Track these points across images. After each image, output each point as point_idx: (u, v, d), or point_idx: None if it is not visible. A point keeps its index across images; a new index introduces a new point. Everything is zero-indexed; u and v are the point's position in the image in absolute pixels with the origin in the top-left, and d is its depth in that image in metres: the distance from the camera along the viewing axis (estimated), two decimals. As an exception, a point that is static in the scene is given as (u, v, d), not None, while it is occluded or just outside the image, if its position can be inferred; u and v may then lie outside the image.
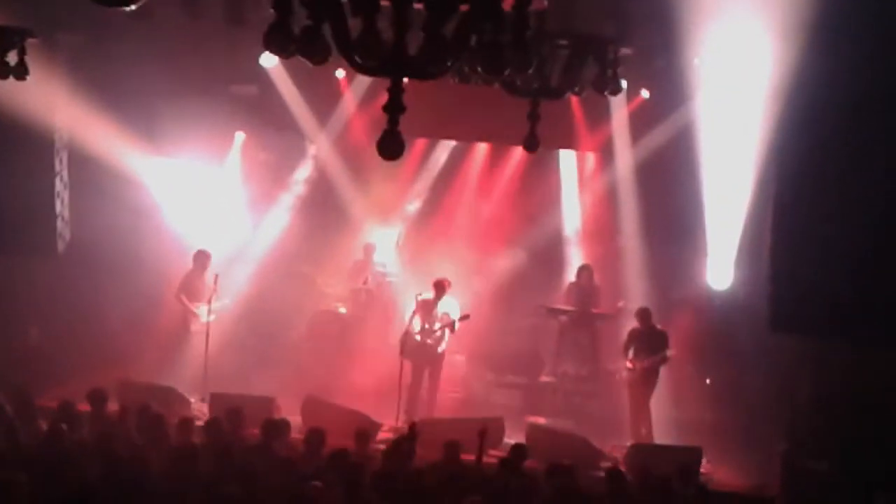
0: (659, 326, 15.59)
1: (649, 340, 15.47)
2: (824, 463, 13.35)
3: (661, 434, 14.96)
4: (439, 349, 15.69)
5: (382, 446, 12.55)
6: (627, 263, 17.46)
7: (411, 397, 15.48)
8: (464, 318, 15.53)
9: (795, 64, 13.77)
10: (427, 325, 15.59)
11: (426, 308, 15.66)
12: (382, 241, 18.66)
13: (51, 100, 15.47)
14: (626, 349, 15.62)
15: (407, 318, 15.64)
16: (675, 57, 14.86)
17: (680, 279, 17.27)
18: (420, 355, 15.57)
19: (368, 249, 18.45)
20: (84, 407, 12.06)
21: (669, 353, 15.29)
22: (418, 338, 15.52)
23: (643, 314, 15.62)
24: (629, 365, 15.55)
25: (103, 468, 9.81)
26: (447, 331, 15.60)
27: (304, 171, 18.85)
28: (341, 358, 16.97)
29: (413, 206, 19.15)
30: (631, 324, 15.92)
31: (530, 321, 17.85)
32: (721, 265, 17.21)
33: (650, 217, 17.43)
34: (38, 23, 11.91)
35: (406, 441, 11.32)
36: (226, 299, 16.30)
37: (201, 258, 16.40)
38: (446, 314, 15.60)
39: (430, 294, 15.73)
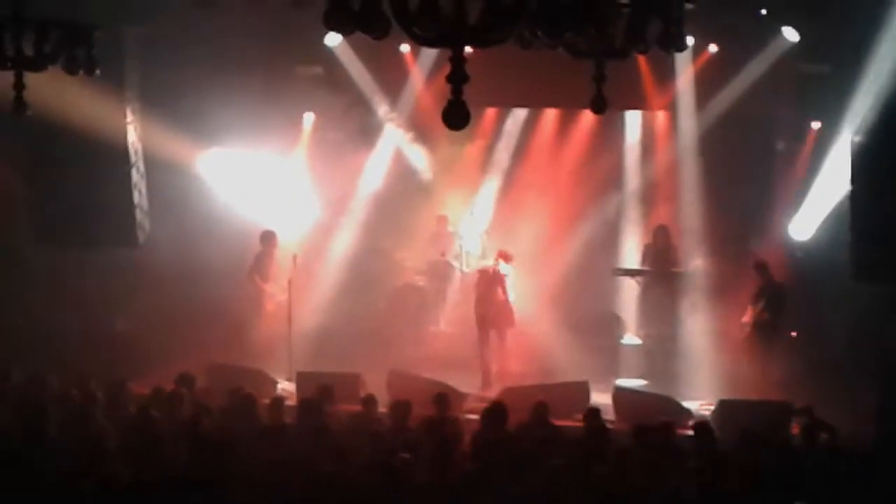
0: (776, 279, 15.47)
1: (768, 293, 15.37)
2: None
3: (749, 390, 14.81)
4: (507, 315, 15.78)
5: (470, 415, 12.61)
6: (703, 220, 17.24)
7: (485, 368, 15.71)
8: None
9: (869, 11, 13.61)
10: (488, 294, 15.71)
11: (488, 277, 15.85)
12: (457, 211, 18.68)
13: (120, 93, 15.68)
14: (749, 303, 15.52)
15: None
16: (741, 10, 14.67)
17: (758, 232, 17.05)
18: (487, 324, 15.76)
19: (442, 221, 18.48)
20: (174, 391, 12.22)
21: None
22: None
23: (760, 267, 15.53)
24: (746, 319, 15.48)
25: (194, 451, 9.96)
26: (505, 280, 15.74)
27: (378, 149, 18.84)
28: (423, 330, 17.05)
29: (491, 180, 19.09)
30: (709, 280, 15.82)
31: (609, 283, 17.76)
32: (801, 216, 17.04)
33: (724, 172, 17.21)
34: (104, 17, 12.05)
35: (498, 408, 11.38)
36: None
37: (269, 238, 16.52)
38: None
39: (491, 264, 15.95)
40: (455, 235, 18.36)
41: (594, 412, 11.83)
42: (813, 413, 12.10)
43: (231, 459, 9.63)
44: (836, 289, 15.62)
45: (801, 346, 15.94)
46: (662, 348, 16.48)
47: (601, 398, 14.07)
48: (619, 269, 17.57)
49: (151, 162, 16.59)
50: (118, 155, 16.03)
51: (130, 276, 16.39)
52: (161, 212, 16.66)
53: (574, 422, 12.75)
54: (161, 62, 15.98)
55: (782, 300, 15.44)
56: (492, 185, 19.04)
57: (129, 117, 16.10)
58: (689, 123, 17.61)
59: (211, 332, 15.97)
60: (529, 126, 19.12)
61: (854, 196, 14.55)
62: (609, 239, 18.29)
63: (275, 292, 16.24)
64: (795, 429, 12.40)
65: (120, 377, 12.52)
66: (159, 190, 16.72)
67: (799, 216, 17.08)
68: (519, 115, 19.14)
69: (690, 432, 11.51)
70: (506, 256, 15.83)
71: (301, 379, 14.43)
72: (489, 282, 15.80)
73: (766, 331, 15.39)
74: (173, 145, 16.62)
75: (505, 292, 15.68)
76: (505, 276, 15.74)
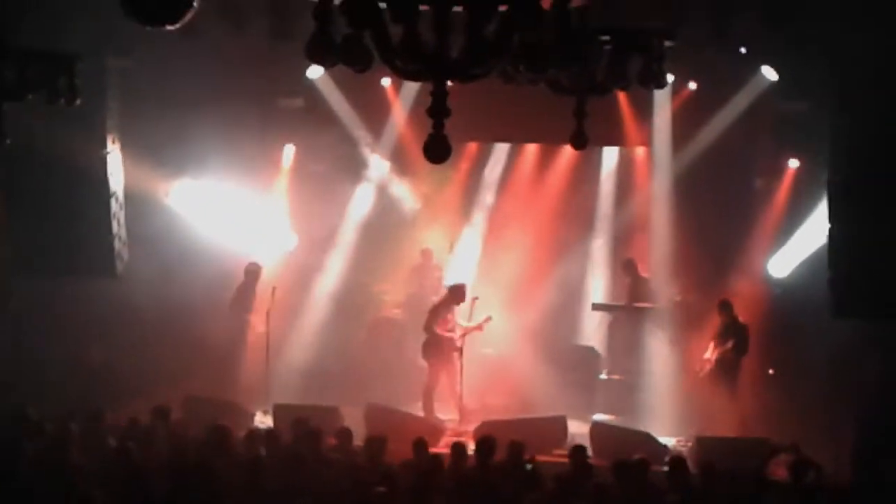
0: (741, 319, 15.52)
1: (732, 332, 15.42)
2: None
3: (724, 427, 14.82)
4: (458, 346, 15.66)
5: (447, 451, 12.57)
6: (680, 256, 17.30)
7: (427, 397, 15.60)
8: (486, 320, 15.66)
9: (848, 50, 13.71)
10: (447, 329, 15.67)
11: (448, 312, 15.79)
12: (439, 245, 18.68)
13: (101, 123, 15.66)
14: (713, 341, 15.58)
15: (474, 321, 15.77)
16: (721, 47, 14.76)
17: (737, 269, 17.10)
18: (438, 356, 15.65)
19: (427, 254, 18.50)
20: (150, 423, 12.14)
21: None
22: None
23: (724, 306, 15.58)
24: (708, 356, 15.52)
25: (172, 483, 9.90)
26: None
27: (360, 182, 18.84)
28: (402, 363, 17.01)
29: (475, 213, 19.12)
30: (685, 316, 15.88)
31: (587, 318, 17.79)
32: (780, 254, 17.11)
33: (702, 208, 17.29)
34: (86, 47, 12.06)
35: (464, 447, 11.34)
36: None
37: (252, 271, 16.51)
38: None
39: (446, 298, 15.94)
40: (436, 269, 18.35)
41: (580, 449, 11.76)
42: (799, 450, 12.08)
43: (208, 491, 9.58)
44: (814, 325, 15.65)
45: (780, 383, 15.96)
46: (637, 383, 16.48)
47: (578, 432, 14.06)
48: (598, 304, 17.62)
49: (131, 192, 16.54)
50: (97, 185, 15.97)
51: (108, 306, 16.29)
52: (140, 242, 16.59)
53: (552, 457, 12.72)
54: (142, 93, 15.97)
55: (745, 339, 15.46)
56: (474, 220, 19.06)
57: (109, 147, 16.05)
58: (667, 160, 17.70)
59: (188, 363, 15.89)
60: (511, 160, 19.18)
61: (832, 234, 14.61)
62: (589, 274, 18.32)
63: (256, 324, 16.19)
64: (779, 466, 12.39)
65: (97, 408, 12.44)
66: (138, 220, 16.66)
67: (778, 253, 17.15)
68: (500, 149, 19.19)
69: (666, 468, 11.49)
70: (462, 290, 15.83)
71: (277, 411, 14.39)
72: (449, 316, 15.79)
73: (729, 369, 15.40)
74: (153, 176, 16.60)
75: (480, 326, 15.64)
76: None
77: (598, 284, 18.37)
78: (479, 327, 15.67)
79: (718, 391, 15.28)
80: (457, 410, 15.50)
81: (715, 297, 16.00)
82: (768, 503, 10.26)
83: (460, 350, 15.54)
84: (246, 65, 15.96)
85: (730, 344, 15.40)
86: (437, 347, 15.56)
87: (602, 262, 18.58)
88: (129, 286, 16.29)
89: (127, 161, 16.36)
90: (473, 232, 19.02)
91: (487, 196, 19.16)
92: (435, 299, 16.60)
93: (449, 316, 15.73)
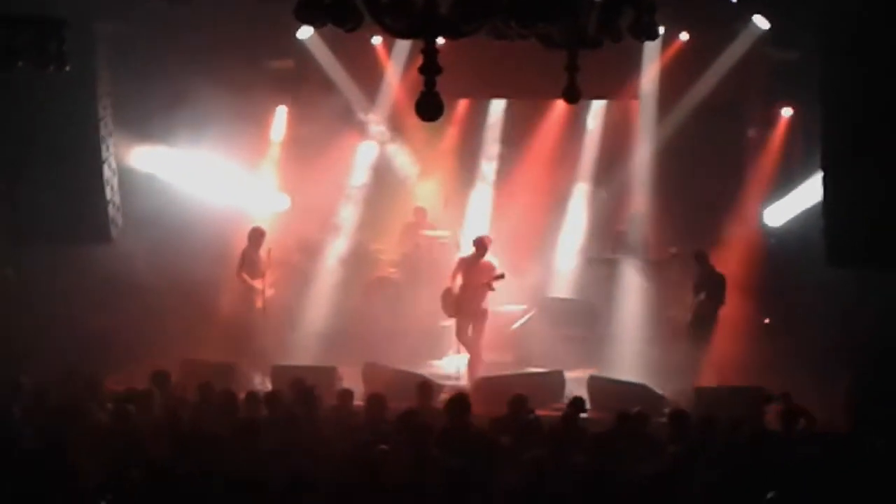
0: (717, 269, 15.51)
1: (708, 283, 15.41)
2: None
3: (723, 376, 14.88)
4: (482, 305, 15.70)
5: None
6: (677, 207, 17.30)
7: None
8: (498, 277, 15.51)
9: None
10: (468, 283, 15.63)
11: (467, 265, 15.73)
12: (432, 203, 18.69)
13: (91, 88, 15.60)
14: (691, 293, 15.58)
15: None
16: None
17: (731, 219, 17.11)
18: (462, 312, 15.67)
19: (419, 213, 18.50)
20: (148, 388, 12.18)
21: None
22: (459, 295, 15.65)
23: (700, 257, 15.56)
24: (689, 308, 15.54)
25: (172, 447, 9.94)
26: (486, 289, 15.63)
27: (352, 142, 18.77)
28: (398, 322, 17.05)
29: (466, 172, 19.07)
30: (680, 268, 15.91)
31: (584, 272, 17.82)
32: (775, 203, 17.13)
33: (695, 160, 17.29)
34: (75, 13, 11.99)
35: (461, 398, 11.35)
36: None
37: (256, 235, 16.45)
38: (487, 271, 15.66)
39: (470, 252, 15.86)
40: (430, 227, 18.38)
41: (578, 401, 11.81)
42: (790, 399, 12.16)
43: (209, 454, 9.62)
44: (809, 275, 15.69)
45: (775, 332, 16.02)
46: (636, 336, 16.51)
47: (575, 387, 14.11)
48: (594, 258, 17.64)
49: (122, 158, 16.50)
50: (90, 151, 15.93)
51: (105, 272, 16.28)
52: (133, 207, 16.57)
53: (550, 411, 12.78)
54: (132, 57, 15.90)
55: (721, 290, 15.41)
56: (467, 178, 19.04)
57: (101, 113, 16.00)
58: (659, 112, 17.67)
59: (188, 327, 15.90)
60: (504, 116, 19.14)
61: (826, 182, 14.62)
62: (584, 227, 18.34)
63: (262, 289, 16.14)
64: (770, 415, 12.46)
65: (95, 373, 12.47)
66: (131, 186, 16.64)
67: (773, 203, 17.16)
68: (493, 105, 19.14)
69: (665, 420, 11.56)
70: (483, 244, 15.76)
71: (276, 373, 14.41)
72: (468, 270, 15.75)
73: (703, 319, 15.41)
74: (145, 141, 16.56)
75: (489, 283, 15.59)
76: (491, 265, 15.66)
77: (594, 237, 18.36)
78: (489, 285, 15.60)
79: (695, 343, 15.33)
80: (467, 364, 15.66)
81: (710, 249, 16.02)
82: (765, 452, 10.31)
83: (477, 306, 15.59)
84: (235, 27, 15.87)
85: (703, 295, 15.42)
86: (450, 300, 15.66)
87: (597, 216, 18.55)
88: (125, 252, 16.28)
89: (119, 126, 16.31)
90: (481, 187, 18.96)
91: (479, 153, 19.11)
92: (431, 255, 16.72)
93: (464, 271, 15.69)
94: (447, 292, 15.73)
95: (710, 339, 15.34)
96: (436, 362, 16.24)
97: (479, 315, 15.71)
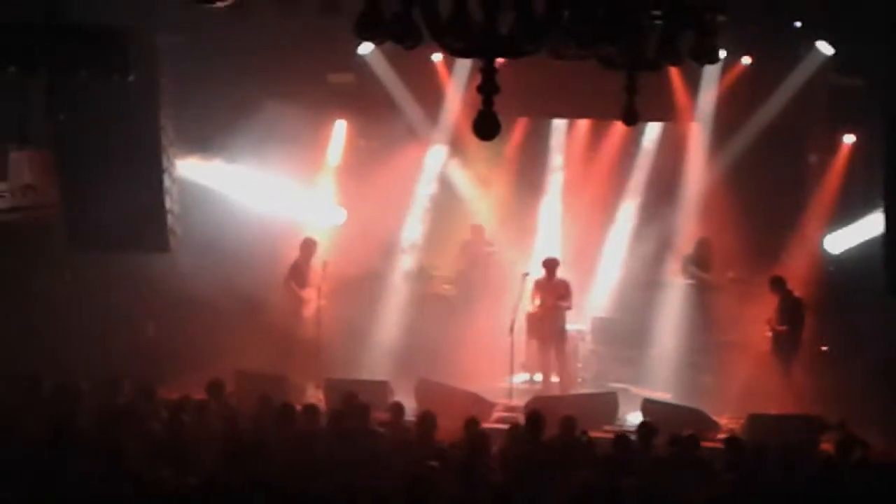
0: (795, 294, 15.45)
1: (787, 309, 15.34)
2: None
3: (779, 405, 14.71)
4: (561, 325, 15.92)
5: (499, 425, 12.58)
6: (737, 231, 17.12)
7: (544, 375, 16.07)
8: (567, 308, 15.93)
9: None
10: (544, 304, 15.87)
11: (541, 287, 15.98)
12: (489, 221, 18.66)
13: (154, 98, 15.76)
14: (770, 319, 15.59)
15: (525, 298, 15.95)
16: (774, 22, 14.60)
17: (792, 245, 16.95)
18: (544, 334, 15.90)
19: (477, 231, 18.48)
20: (203, 398, 12.25)
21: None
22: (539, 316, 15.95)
23: (777, 283, 15.53)
24: (768, 333, 15.50)
25: (227, 457, 9.98)
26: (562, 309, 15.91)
27: (411, 158, 18.80)
28: (451, 339, 17.03)
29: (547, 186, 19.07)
30: (740, 293, 15.78)
31: (640, 293, 17.69)
32: (836, 230, 16.95)
33: (756, 184, 17.12)
34: (139, 23, 12.13)
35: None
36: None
37: (308, 245, 16.54)
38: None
39: (541, 274, 16.12)
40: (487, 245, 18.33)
41: (649, 427, 11.73)
42: (846, 428, 12.02)
43: (263, 465, 9.66)
44: (870, 303, 15.51)
45: (833, 361, 15.82)
46: (691, 360, 16.40)
47: (629, 409, 14.02)
48: (652, 280, 17.55)
49: (183, 168, 16.65)
50: (150, 160, 16.07)
51: (162, 281, 16.42)
52: (191, 217, 16.69)
53: (602, 433, 12.72)
54: (194, 69, 16.02)
55: (802, 315, 15.39)
56: (526, 196, 18.96)
57: (162, 122, 16.15)
58: (718, 135, 17.53)
59: (243, 337, 15.97)
60: (563, 136, 19.06)
61: (888, 211, 14.45)
62: (642, 249, 18.21)
63: (312, 298, 16.22)
64: (827, 444, 12.31)
65: (150, 383, 12.57)
66: (190, 196, 16.77)
67: (834, 230, 16.98)
68: (552, 125, 19.07)
69: (720, 445, 11.46)
70: (552, 265, 16.00)
71: (329, 386, 14.46)
72: (543, 292, 15.99)
73: (786, 345, 15.37)
74: (204, 151, 16.70)
75: (567, 301, 15.88)
76: (565, 283, 16.01)
77: (653, 260, 18.20)
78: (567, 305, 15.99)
79: (775, 369, 15.19)
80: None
81: (769, 274, 15.87)
82: (820, 481, 10.20)
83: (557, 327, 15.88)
84: (296, 41, 15.97)
85: (786, 320, 15.31)
86: (533, 323, 16.00)
87: (658, 239, 18.39)
88: (182, 262, 16.40)
89: (179, 137, 16.45)
90: (550, 204, 18.90)
91: (540, 173, 19.04)
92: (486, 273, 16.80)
93: (540, 293, 16.02)
94: (531, 315, 16.00)
95: (791, 365, 15.35)
96: (507, 379, 16.11)
97: (559, 336, 15.97)
